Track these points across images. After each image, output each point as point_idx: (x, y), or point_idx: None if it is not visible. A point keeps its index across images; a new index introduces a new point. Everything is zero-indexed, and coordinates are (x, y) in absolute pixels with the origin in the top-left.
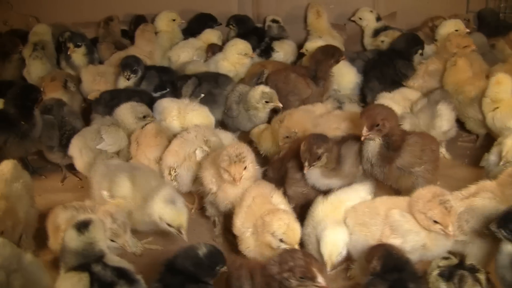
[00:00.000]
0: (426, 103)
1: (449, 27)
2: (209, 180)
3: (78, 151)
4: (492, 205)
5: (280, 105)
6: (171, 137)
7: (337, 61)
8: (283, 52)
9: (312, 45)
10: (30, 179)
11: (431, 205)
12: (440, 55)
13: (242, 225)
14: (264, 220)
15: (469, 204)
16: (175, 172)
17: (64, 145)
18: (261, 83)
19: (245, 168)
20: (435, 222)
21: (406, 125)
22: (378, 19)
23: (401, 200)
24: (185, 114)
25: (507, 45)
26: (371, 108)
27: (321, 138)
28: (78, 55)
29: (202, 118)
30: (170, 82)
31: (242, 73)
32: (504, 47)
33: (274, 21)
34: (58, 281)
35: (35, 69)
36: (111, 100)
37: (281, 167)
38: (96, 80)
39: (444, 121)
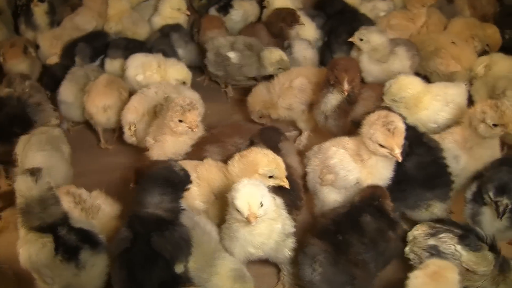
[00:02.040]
0: (388, 44)
1: None
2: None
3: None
4: (450, 148)
5: None
6: (125, 89)
7: (291, 26)
8: (242, 10)
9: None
10: None
11: (374, 127)
12: (402, 10)
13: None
14: (248, 160)
15: None
16: (134, 127)
17: None
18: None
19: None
20: (381, 146)
21: (377, 39)
22: None
23: (345, 139)
24: (166, 69)
25: (466, 6)
26: (345, 61)
27: None
28: (40, 12)
29: (183, 73)
30: (104, 45)
31: None
32: (463, 7)
33: None
34: (19, 243)
35: None
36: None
37: None
38: (53, 44)
39: (397, 60)
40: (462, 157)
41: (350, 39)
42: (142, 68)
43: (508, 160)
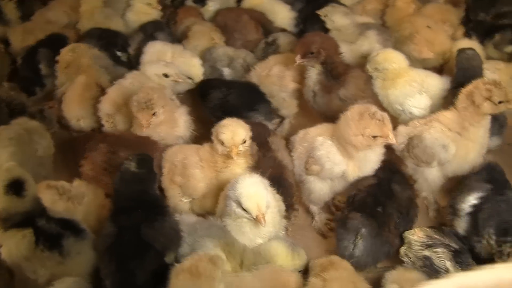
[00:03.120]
0: (360, 25)
1: None
2: None
3: None
4: (438, 136)
5: None
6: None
7: None
8: (219, 1)
9: None
10: None
11: (364, 123)
12: None
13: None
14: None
15: (420, 131)
16: (112, 119)
17: None
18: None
19: (154, 114)
20: (375, 137)
21: (341, 19)
22: None
23: (333, 127)
24: (176, 59)
25: None
26: (306, 36)
27: None
28: (10, 6)
29: (191, 66)
30: None
31: None
32: None
33: None
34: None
35: None
36: None
37: None
38: (25, 39)
39: (366, 42)
40: (451, 145)
41: (318, 12)
42: (157, 55)
43: (492, 169)
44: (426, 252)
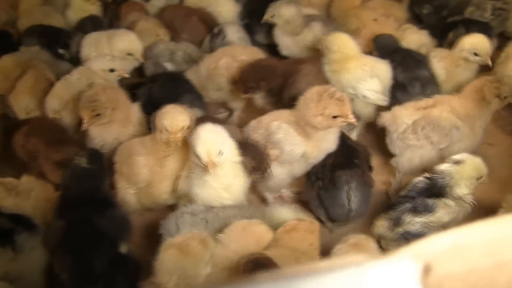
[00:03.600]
0: (305, 16)
1: None
2: None
3: None
4: (449, 118)
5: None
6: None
7: None
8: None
9: None
10: None
11: (323, 103)
12: None
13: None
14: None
15: (426, 113)
16: (59, 115)
17: None
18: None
19: (97, 115)
20: (334, 117)
21: (288, 12)
22: None
23: (286, 112)
24: (112, 42)
25: None
26: (242, 72)
27: None
28: None
29: (128, 42)
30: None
31: None
32: None
33: None
34: None
35: None
36: None
37: None
38: None
39: (311, 33)
40: (463, 126)
41: (264, 20)
42: (96, 46)
43: None
44: (400, 230)
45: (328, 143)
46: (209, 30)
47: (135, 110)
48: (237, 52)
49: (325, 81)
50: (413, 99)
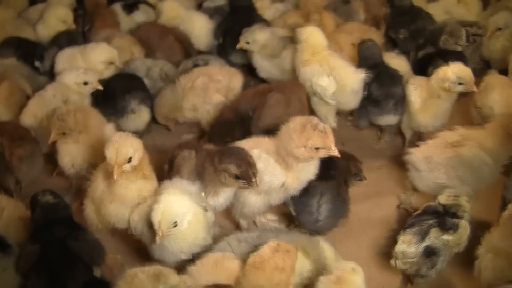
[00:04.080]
0: (284, 38)
1: None
2: None
3: None
4: (480, 155)
5: None
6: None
7: None
8: (146, 16)
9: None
10: None
11: (306, 135)
12: (298, 11)
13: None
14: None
15: (456, 152)
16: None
17: None
18: None
19: (63, 133)
20: (317, 149)
21: (262, 36)
22: None
23: (266, 140)
24: (87, 56)
25: (361, 8)
26: (210, 132)
27: None
28: None
29: (105, 53)
30: None
31: None
32: (359, 10)
33: None
34: None
35: None
36: None
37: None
38: None
39: (289, 56)
40: (490, 163)
41: (238, 47)
42: (69, 62)
43: None
44: (424, 244)
45: (308, 173)
46: (183, 50)
47: (109, 131)
48: (214, 71)
49: (295, 110)
50: (385, 114)
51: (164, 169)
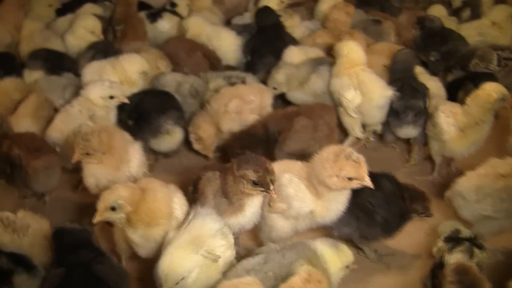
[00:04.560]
0: (311, 61)
1: (327, 3)
2: None
3: None
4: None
5: None
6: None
7: None
8: (170, 25)
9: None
10: None
11: (339, 164)
12: (327, 30)
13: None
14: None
15: (507, 183)
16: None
17: None
18: None
19: (87, 154)
20: (350, 179)
21: (281, 75)
22: None
23: (298, 165)
24: (120, 66)
25: (392, 30)
26: (232, 137)
27: None
28: None
29: (137, 64)
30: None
31: None
32: (390, 31)
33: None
34: None
35: None
36: None
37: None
38: None
39: (319, 79)
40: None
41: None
42: (99, 75)
43: None
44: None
45: (338, 204)
46: (211, 67)
47: (135, 152)
48: (244, 92)
49: (322, 135)
50: (404, 126)
51: (189, 190)
